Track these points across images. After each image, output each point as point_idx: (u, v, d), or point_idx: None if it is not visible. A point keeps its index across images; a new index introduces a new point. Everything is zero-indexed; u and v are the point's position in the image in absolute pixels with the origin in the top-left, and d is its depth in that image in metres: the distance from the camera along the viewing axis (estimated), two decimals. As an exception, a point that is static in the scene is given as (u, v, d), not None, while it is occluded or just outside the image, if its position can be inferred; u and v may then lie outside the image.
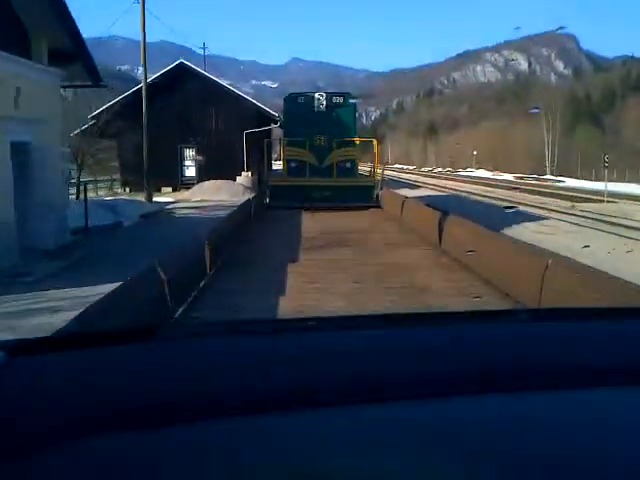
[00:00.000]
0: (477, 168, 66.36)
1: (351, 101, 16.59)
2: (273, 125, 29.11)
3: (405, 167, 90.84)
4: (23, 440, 0.70)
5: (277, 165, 32.72)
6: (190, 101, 28.71)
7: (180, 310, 4.96)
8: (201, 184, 27.26)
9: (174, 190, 28.83)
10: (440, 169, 72.96)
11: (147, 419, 0.74)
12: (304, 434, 0.72)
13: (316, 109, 15.51)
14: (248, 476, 0.64)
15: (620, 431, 0.75)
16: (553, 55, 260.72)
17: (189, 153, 29.58)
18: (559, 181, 43.84)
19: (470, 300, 5.48)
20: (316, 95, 15.95)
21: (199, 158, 29.24)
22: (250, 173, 28.98)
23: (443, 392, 0.82)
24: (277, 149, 33.07)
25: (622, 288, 3.94)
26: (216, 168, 28.88)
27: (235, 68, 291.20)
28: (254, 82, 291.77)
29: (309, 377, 0.86)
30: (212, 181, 27.09)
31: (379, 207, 14.06)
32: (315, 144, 15.38)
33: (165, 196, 25.68)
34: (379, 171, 15.95)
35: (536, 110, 65.56)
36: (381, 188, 15.04)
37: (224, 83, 29.46)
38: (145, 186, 22.25)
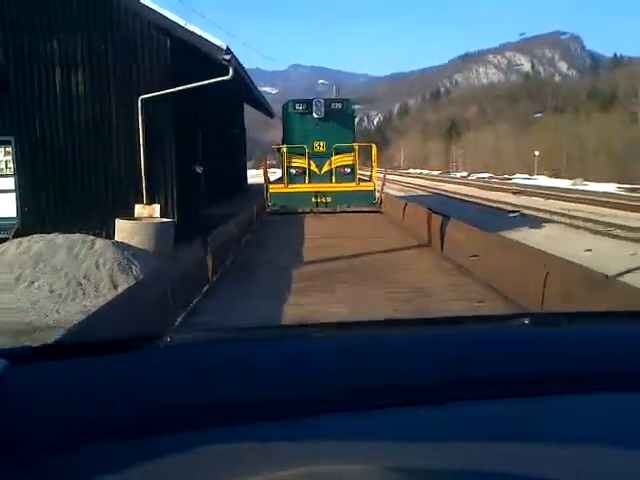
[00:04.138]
0: (533, 174, 47.78)
1: (351, 107, 15.40)
2: (223, 77, 10.23)
3: (425, 172, 71.85)
4: (23, 448, 0.67)
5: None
6: None
7: (181, 316, 4.43)
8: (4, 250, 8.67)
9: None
10: (477, 175, 54.31)
11: (147, 428, 0.71)
12: (310, 441, 0.70)
13: (315, 115, 14.29)
14: None
15: (624, 437, 0.71)
16: (557, 56, 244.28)
17: (-1, 157, 10.79)
18: None
19: (473, 305, 5.06)
20: (314, 101, 14.57)
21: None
22: (158, 207, 10.36)
23: (447, 397, 0.79)
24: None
25: (625, 292, 3.73)
26: (66, 194, 10.27)
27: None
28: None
29: (314, 385, 0.82)
30: (35, 239, 8.57)
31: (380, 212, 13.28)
32: (314, 150, 14.29)
33: None
34: (378, 182, 14.07)
35: (539, 115, 58.24)
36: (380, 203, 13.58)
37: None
38: None
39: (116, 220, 9.72)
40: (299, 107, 14.58)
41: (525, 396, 0.80)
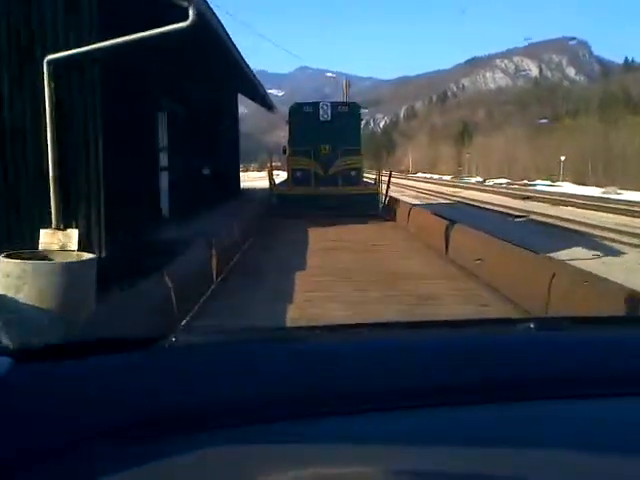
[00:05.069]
0: (556, 180, 43.79)
1: (357, 110, 15.27)
2: (175, 25, 6.37)
3: (435, 177, 67.77)
4: (27, 448, 0.66)
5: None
6: None
7: (186, 318, 4.41)
8: None
9: None
10: (493, 180, 50.28)
11: (151, 428, 0.70)
12: (311, 443, 0.69)
13: (321, 118, 14.26)
14: None
15: (630, 442, 0.70)
16: (564, 61, 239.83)
17: None
18: None
19: (477, 308, 5.00)
20: (321, 104, 14.57)
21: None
22: (76, 233, 6.49)
23: (451, 401, 0.78)
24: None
25: (629, 297, 3.58)
26: None
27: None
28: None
29: (316, 387, 0.81)
30: None
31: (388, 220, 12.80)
32: (320, 153, 14.14)
33: None
34: (384, 186, 13.88)
35: (545, 120, 55.60)
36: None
37: None
38: None
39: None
40: (306, 109, 14.46)
41: (529, 400, 0.78)
